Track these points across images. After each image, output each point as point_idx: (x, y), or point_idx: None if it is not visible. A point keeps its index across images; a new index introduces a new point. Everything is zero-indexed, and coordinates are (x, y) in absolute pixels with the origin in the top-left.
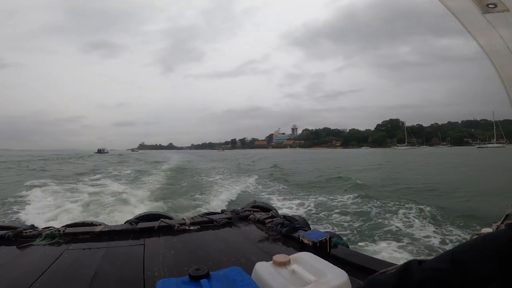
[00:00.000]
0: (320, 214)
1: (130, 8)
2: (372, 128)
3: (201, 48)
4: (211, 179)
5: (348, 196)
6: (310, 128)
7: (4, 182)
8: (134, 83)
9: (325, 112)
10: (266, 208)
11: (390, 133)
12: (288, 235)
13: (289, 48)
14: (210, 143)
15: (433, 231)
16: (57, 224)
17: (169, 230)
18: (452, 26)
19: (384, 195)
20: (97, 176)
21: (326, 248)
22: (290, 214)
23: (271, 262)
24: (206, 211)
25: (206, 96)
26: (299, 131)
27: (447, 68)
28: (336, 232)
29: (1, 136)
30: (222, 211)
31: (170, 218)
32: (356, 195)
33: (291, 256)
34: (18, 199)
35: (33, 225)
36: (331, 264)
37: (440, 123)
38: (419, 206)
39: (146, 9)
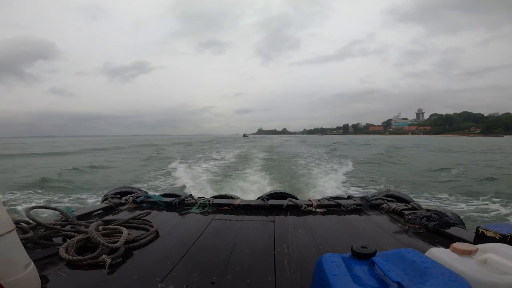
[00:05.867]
0: None
1: (223, 7)
2: None
3: (296, 35)
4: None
5: None
6: (442, 112)
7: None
8: (245, 74)
9: (468, 92)
10: (403, 199)
11: None
12: (438, 230)
13: (397, 24)
14: (321, 128)
15: None
16: (203, 193)
17: (296, 210)
18: None
19: None
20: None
21: None
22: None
23: (449, 249)
24: (331, 195)
25: (313, 81)
26: (426, 116)
27: None
28: None
29: (163, 124)
30: (349, 197)
31: (295, 198)
32: None
33: (479, 246)
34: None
35: (191, 194)
36: None
37: None
38: None
39: (236, 5)
